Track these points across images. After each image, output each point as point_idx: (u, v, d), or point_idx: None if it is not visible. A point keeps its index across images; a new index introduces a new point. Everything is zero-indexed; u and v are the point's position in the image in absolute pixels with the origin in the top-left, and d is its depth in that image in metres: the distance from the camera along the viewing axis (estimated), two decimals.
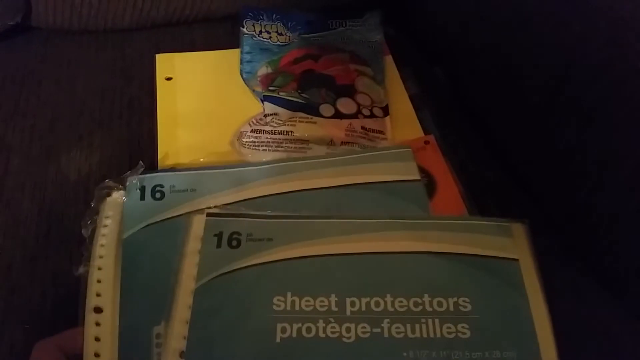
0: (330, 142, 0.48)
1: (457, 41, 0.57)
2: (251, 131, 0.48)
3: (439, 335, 0.34)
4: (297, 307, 0.35)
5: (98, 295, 0.36)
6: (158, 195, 0.41)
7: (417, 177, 0.43)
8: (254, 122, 0.49)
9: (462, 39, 0.56)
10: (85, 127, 0.49)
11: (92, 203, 0.41)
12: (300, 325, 0.34)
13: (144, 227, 0.39)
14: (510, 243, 0.39)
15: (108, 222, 0.40)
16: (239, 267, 0.37)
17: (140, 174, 0.42)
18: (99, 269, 0.37)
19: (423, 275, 0.37)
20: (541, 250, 0.45)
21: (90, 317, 0.35)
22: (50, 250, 0.42)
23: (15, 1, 0.53)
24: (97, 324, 0.35)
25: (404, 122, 0.51)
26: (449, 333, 0.34)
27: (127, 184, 0.42)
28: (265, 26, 0.56)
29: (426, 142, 0.49)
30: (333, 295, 0.35)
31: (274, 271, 0.37)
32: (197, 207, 0.40)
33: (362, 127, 0.49)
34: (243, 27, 0.55)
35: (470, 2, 0.54)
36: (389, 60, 0.56)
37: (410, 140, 0.49)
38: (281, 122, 0.48)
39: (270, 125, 0.48)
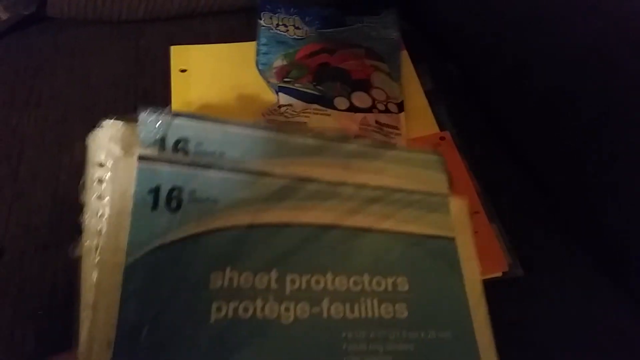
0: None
1: (471, 37, 0.57)
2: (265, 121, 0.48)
3: (377, 315, 0.33)
4: (235, 285, 0.32)
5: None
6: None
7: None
8: (268, 112, 0.48)
9: (477, 34, 0.56)
10: (99, 118, 0.49)
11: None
12: (237, 304, 0.31)
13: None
14: (447, 220, 0.37)
15: (109, 176, 0.31)
16: (176, 239, 0.31)
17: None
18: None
19: (363, 252, 0.35)
20: (554, 248, 0.45)
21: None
22: (62, 240, 0.42)
23: None
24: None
25: (420, 118, 0.51)
26: (387, 313, 0.33)
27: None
28: (282, 19, 0.56)
29: (442, 138, 0.49)
30: (274, 271, 0.33)
31: (215, 242, 0.32)
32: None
33: (377, 122, 0.49)
34: (260, 20, 0.55)
35: (484, 1, 0.54)
36: (404, 55, 0.56)
37: (426, 136, 0.49)
38: (295, 113, 0.48)
39: (284, 116, 0.48)
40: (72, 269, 0.40)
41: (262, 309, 0.31)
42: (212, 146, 0.34)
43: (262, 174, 0.35)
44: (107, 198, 0.31)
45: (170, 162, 0.32)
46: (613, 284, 0.44)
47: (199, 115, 0.34)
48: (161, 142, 0.33)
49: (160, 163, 0.32)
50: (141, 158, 0.32)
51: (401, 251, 0.36)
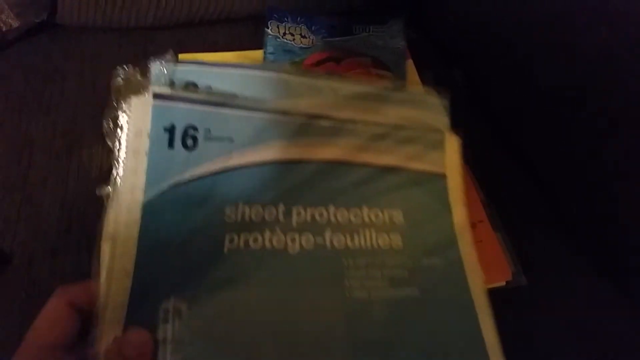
0: None
1: (477, 45, 0.57)
2: None
3: (375, 245, 0.36)
4: (246, 218, 0.34)
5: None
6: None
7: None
8: None
9: (482, 43, 0.56)
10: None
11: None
12: (248, 235, 0.33)
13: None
14: (441, 157, 0.40)
15: (129, 120, 0.33)
16: (193, 177, 0.33)
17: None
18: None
19: (363, 186, 0.38)
20: (558, 256, 0.45)
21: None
22: (71, 246, 0.42)
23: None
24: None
25: None
26: (383, 243, 0.36)
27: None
28: (289, 28, 0.56)
29: None
30: (281, 205, 0.35)
31: (230, 179, 0.34)
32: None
33: None
34: (267, 28, 0.55)
35: (491, 7, 0.54)
36: (409, 63, 0.56)
37: None
38: None
39: None
40: (80, 274, 0.41)
41: (270, 240, 0.34)
42: (222, 87, 0.35)
43: (276, 111, 0.36)
44: (124, 137, 0.32)
45: (183, 100, 0.34)
46: (617, 292, 0.44)
47: (207, 62, 0.36)
48: (171, 84, 0.34)
49: (173, 101, 0.33)
50: (155, 96, 0.33)
51: (398, 186, 0.38)
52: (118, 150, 0.32)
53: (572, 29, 0.44)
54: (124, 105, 0.33)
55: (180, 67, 0.35)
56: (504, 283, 0.41)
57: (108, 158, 0.47)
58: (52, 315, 0.31)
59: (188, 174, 0.33)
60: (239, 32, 0.57)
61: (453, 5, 0.61)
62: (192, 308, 0.31)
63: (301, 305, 0.33)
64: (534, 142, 0.51)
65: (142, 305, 0.30)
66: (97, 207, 0.43)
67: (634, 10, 0.40)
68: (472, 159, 0.48)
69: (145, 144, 0.32)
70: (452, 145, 0.40)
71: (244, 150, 0.35)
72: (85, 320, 0.30)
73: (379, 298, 0.34)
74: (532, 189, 0.50)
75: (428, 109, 0.41)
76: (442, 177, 0.39)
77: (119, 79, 0.34)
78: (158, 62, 0.35)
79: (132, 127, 0.32)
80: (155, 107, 0.33)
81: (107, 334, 0.29)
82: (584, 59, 0.44)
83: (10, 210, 0.44)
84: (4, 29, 0.53)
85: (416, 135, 0.40)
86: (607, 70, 0.42)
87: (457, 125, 0.51)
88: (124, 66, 0.34)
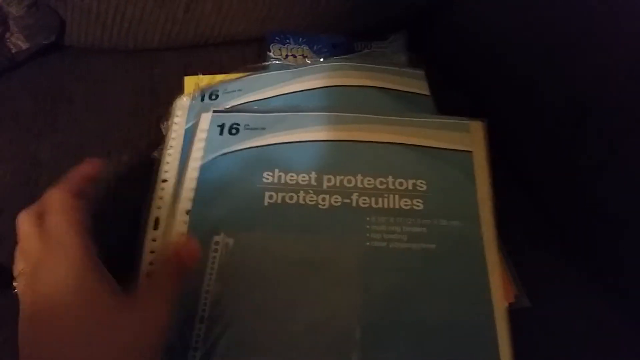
0: None
1: (480, 65, 0.58)
2: None
3: (397, 206, 0.42)
4: (282, 181, 0.43)
5: (164, 181, 0.45)
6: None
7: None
8: None
9: (486, 63, 0.57)
10: (115, 145, 0.50)
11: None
12: (284, 194, 0.42)
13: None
14: (466, 138, 0.45)
15: (177, 119, 0.49)
16: (236, 149, 0.45)
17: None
18: (169, 155, 0.47)
19: (389, 160, 0.44)
20: (561, 278, 0.45)
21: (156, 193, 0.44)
22: None
23: (50, 21, 0.54)
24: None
25: None
26: (405, 205, 0.42)
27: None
28: (291, 50, 0.57)
29: None
30: (313, 173, 0.43)
31: (265, 152, 0.44)
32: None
33: None
34: (270, 52, 0.56)
35: (495, 28, 0.55)
36: None
37: None
38: None
39: None
40: None
41: (304, 198, 0.42)
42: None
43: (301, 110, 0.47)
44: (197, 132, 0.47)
45: (230, 111, 0.48)
46: (622, 315, 0.44)
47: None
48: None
49: (225, 113, 0.48)
50: (214, 111, 0.48)
51: (424, 160, 0.44)
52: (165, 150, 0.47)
53: (574, 50, 0.45)
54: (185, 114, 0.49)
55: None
56: (507, 305, 0.41)
57: (114, 177, 0.48)
58: (59, 208, 0.34)
59: (233, 148, 0.45)
60: (243, 54, 0.58)
61: (454, 25, 0.62)
62: (237, 243, 0.40)
63: (325, 248, 0.40)
64: (536, 163, 0.51)
65: (197, 235, 0.40)
66: (103, 226, 0.44)
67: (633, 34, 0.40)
68: None
69: (204, 134, 0.46)
70: (477, 128, 0.46)
71: (277, 133, 0.45)
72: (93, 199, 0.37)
73: (396, 248, 0.40)
74: (532, 209, 0.50)
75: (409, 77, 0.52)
76: (468, 153, 0.45)
77: (184, 99, 0.51)
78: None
79: (201, 125, 0.47)
80: (214, 116, 0.47)
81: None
82: (584, 79, 0.44)
83: None
84: (13, 51, 0.54)
85: (442, 122, 0.46)
86: (607, 91, 0.42)
87: None
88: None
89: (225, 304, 0.38)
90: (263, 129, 0.46)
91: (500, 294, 0.39)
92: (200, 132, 0.46)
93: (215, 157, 0.44)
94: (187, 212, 0.42)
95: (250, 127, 0.46)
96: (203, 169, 0.44)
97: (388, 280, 0.39)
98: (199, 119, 0.47)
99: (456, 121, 0.47)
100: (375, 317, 0.38)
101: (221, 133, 0.46)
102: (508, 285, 0.42)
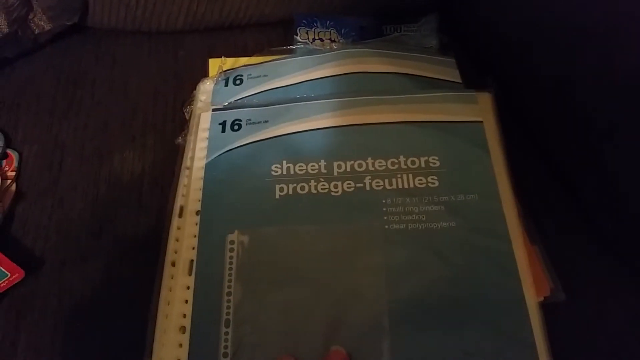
0: None
1: (510, 50, 0.56)
2: None
3: (412, 186, 0.41)
4: (292, 172, 0.42)
5: (188, 168, 0.44)
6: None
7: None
8: None
9: (516, 48, 0.55)
10: (138, 129, 0.49)
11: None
12: (295, 185, 0.41)
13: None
14: (475, 109, 0.45)
15: (200, 104, 0.48)
16: (240, 145, 0.44)
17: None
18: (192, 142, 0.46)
19: (399, 140, 0.43)
20: (598, 272, 0.44)
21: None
22: (101, 251, 0.42)
23: (74, 2, 0.53)
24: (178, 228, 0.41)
25: None
26: (420, 184, 0.41)
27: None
28: (318, 33, 0.55)
29: None
30: (322, 161, 0.42)
31: (271, 145, 0.44)
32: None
33: None
34: (297, 36, 0.55)
35: (527, 11, 0.53)
36: None
37: None
38: None
39: None
40: (110, 280, 0.41)
41: (316, 187, 0.41)
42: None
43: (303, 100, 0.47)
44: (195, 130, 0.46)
45: (230, 108, 0.47)
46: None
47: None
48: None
49: (225, 110, 0.47)
50: (213, 110, 0.47)
51: (434, 136, 0.43)
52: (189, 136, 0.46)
53: (610, 44, 0.43)
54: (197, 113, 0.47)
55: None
56: (542, 298, 0.40)
57: (139, 162, 0.47)
58: None
59: (237, 143, 0.44)
60: (269, 37, 0.57)
61: (485, 8, 0.60)
62: (252, 240, 0.39)
63: (344, 236, 0.39)
64: (570, 154, 0.50)
65: (209, 236, 0.40)
66: (127, 211, 0.44)
67: None
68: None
69: (206, 133, 0.45)
70: (485, 99, 0.46)
71: (280, 125, 0.45)
72: None
73: (416, 229, 0.39)
74: (567, 200, 0.48)
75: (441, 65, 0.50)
76: (479, 123, 0.44)
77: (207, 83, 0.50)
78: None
79: (201, 125, 0.46)
80: (213, 115, 0.47)
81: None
82: (621, 72, 0.42)
83: (42, 215, 0.44)
84: (36, 32, 0.53)
85: (450, 95, 0.46)
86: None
87: None
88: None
89: (248, 304, 0.37)
90: (266, 122, 0.45)
91: (527, 267, 0.38)
92: (201, 131, 0.45)
93: (220, 155, 0.43)
94: (197, 213, 0.41)
95: (252, 122, 0.45)
96: (208, 167, 0.43)
97: (411, 264, 0.38)
98: (199, 119, 0.46)
99: (463, 93, 0.46)
100: (401, 303, 0.37)
101: (223, 130, 0.45)
102: (544, 279, 0.40)
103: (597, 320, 0.41)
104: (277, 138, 0.44)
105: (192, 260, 0.39)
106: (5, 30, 0.50)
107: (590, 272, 0.44)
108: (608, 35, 0.43)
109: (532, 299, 0.37)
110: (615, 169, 0.44)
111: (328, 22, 0.56)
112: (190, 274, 0.38)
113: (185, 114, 0.49)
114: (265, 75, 0.49)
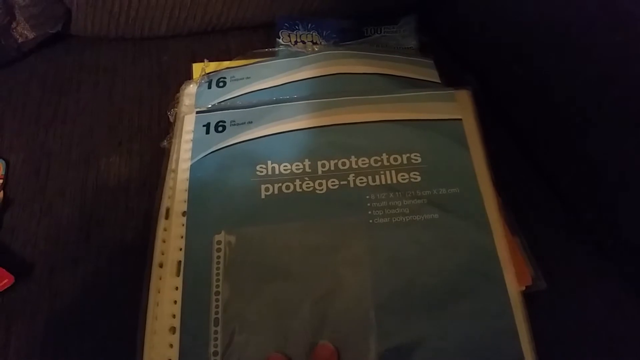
0: None
1: (489, 48, 0.57)
2: None
3: (395, 181, 0.42)
4: (277, 172, 0.43)
5: (174, 170, 0.44)
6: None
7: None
8: None
9: (495, 45, 0.56)
10: (124, 134, 0.50)
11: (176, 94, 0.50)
12: (280, 184, 0.42)
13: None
14: (454, 106, 0.46)
15: (184, 107, 0.49)
16: (225, 146, 0.44)
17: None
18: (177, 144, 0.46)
19: (381, 138, 0.44)
20: (578, 261, 0.45)
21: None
22: (90, 255, 0.43)
23: (57, 10, 0.54)
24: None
25: None
26: (403, 179, 0.42)
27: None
28: (300, 36, 0.56)
29: None
30: (306, 160, 0.43)
31: (255, 146, 0.44)
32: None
33: None
34: (279, 39, 0.56)
35: (504, 11, 0.54)
36: None
37: None
38: None
39: None
40: (100, 284, 0.41)
41: (300, 186, 0.42)
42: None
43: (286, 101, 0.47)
44: (179, 133, 0.46)
45: (214, 110, 0.47)
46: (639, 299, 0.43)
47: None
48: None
49: (209, 112, 0.47)
50: (197, 112, 0.47)
51: (415, 133, 0.44)
52: (174, 138, 0.46)
53: (587, 37, 0.44)
54: (181, 116, 0.48)
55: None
56: (523, 287, 0.41)
57: (125, 166, 0.47)
58: None
59: (222, 144, 0.44)
60: (251, 40, 0.57)
61: (463, 8, 0.61)
62: (240, 240, 0.39)
63: (330, 232, 0.40)
64: (550, 147, 0.51)
65: (196, 236, 0.40)
66: (115, 215, 0.44)
67: None
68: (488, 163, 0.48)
69: (190, 135, 0.46)
70: (463, 96, 0.47)
71: (264, 126, 0.45)
72: None
73: (400, 222, 0.40)
74: (547, 191, 0.49)
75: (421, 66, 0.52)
76: (458, 120, 0.45)
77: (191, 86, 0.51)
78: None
79: (185, 127, 0.46)
80: (197, 117, 0.47)
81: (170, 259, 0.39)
82: (598, 64, 0.43)
83: (31, 221, 0.44)
84: (19, 41, 0.53)
85: (428, 95, 0.47)
86: (621, 76, 0.42)
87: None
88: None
89: (237, 303, 0.37)
90: (250, 122, 0.45)
91: (508, 256, 0.39)
92: (185, 133, 0.46)
93: (205, 156, 0.44)
94: (183, 214, 0.41)
95: (236, 123, 0.45)
96: (193, 168, 0.43)
97: (395, 256, 0.39)
98: (183, 121, 0.47)
99: (442, 92, 0.47)
100: (386, 296, 0.38)
101: (208, 132, 0.45)
102: (525, 268, 0.41)
103: (577, 308, 0.42)
104: (261, 138, 0.44)
105: (179, 261, 0.39)
106: None
107: (570, 261, 0.45)
108: (583, 31, 0.44)
109: (514, 288, 0.38)
110: (594, 160, 0.45)
111: (309, 24, 0.57)
112: (178, 275, 0.39)
113: (170, 117, 0.49)
114: (248, 78, 0.50)
